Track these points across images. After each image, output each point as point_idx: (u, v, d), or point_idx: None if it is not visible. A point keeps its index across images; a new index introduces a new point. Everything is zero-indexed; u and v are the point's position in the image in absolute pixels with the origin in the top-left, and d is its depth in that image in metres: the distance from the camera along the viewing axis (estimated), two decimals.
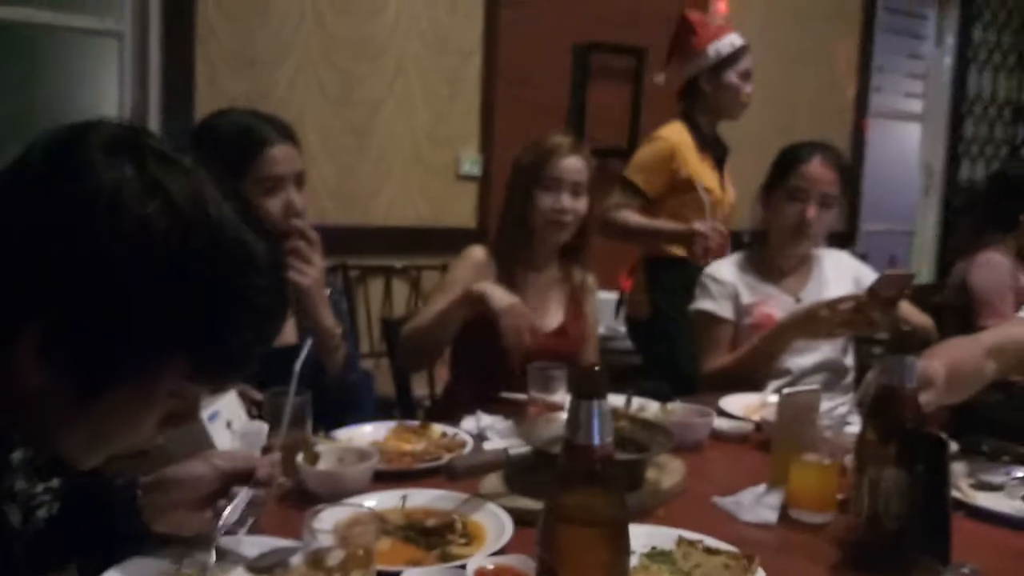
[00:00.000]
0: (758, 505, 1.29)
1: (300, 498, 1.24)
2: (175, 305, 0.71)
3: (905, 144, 5.14)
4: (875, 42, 4.79)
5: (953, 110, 5.23)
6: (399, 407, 2.25)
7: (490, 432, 1.58)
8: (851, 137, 4.72)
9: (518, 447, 1.29)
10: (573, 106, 3.74)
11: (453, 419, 1.65)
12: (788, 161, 2.14)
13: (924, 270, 5.27)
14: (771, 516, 1.26)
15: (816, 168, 2.08)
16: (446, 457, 1.40)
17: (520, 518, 1.17)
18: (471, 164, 3.62)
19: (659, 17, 3.84)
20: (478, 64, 3.58)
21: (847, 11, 4.68)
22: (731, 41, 2.84)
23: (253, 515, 1.09)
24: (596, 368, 0.79)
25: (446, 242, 3.58)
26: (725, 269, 2.21)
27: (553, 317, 2.03)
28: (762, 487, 1.35)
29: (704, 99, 2.83)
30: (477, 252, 2.03)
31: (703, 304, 2.17)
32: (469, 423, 1.63)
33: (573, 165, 1.95)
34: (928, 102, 5.18)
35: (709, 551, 1.10)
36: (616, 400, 1.81)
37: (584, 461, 0.78)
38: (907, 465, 1.09)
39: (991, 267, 2.86)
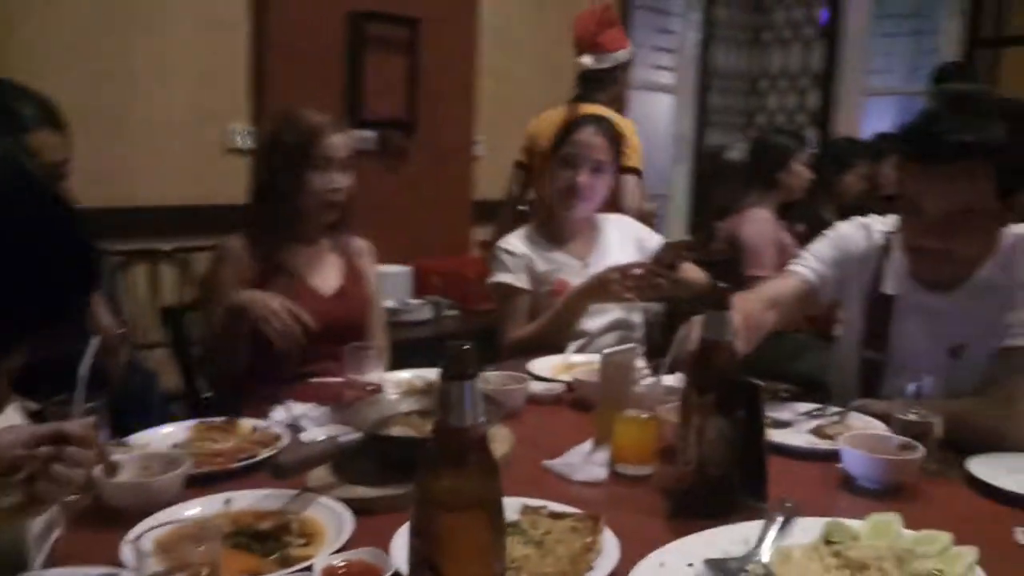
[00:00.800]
0: (588, 464, 1.32)
1: (103, 517, 1.10)
2: None
3: (660, 114, 5.50)
4: (633, 17, 5.04)
5: (700, 83, 5.66)
6: (184, 401, 2.08)
7: (304, 421, 1.49)
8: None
9: (346, 434, 1.23)
10: (349, 77, 3.61)
11: (253, 411, 1.54)
12: (564, 131, 2.23)
13: (677, 230, 5.69)
14: (601, 473, 1.30)
15: (586, 135, 2.18)
16: (263, 453, 1.31)
17: (358, 508, 1.12)
18: (242, 137, 3.40)
19: None
20: (246, 33, 3.36)
21: None
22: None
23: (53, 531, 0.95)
24: (465, 348, 0.75)
25: (218, 221, 3.31)
26: (516, 241, 2.25)
27: (330, 281, 1.98)
28: (587, 445, 1.38)
29: (608, 89, 3.16)
30: (232, 244, 1.93)
31: (500, 276, 2.21)
32: (279, 413, 1.52)
33: (340, 142, 1.92)
34: (679, 75, 5.55)
35: (555, 515, 1.11)
36: (428, 374, 1.79)
37: (458, 443, 0.75)
38: (729, 412, 1.15)
39: (759, 222, 3.17)
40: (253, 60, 3.39)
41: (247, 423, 1.45)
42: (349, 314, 1.92)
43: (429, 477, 0.76)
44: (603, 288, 2.02)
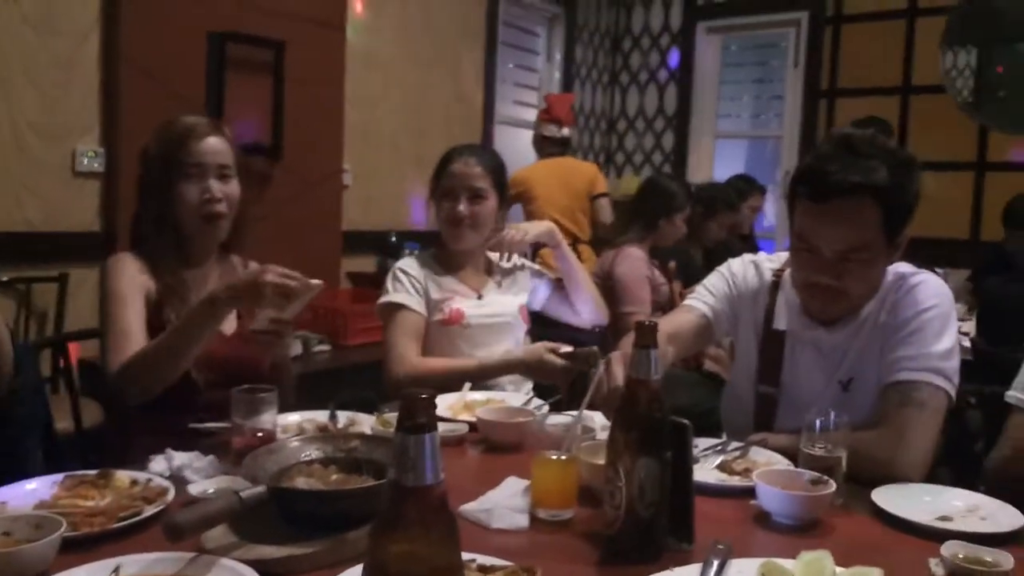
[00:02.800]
0: (507, 510, 1.25)
1: None
2: None
3: (526, 149, 5.55)
4: (498, 54, 5.09)
5: None
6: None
7: (189, 472, 1.34)
8: (482, 142, 4.98)
9: (246, 487, 1.11)
10: (210, 98, 3.42)
11: (129, 461, 1.38)
12: (441, 163, 2.20)
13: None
14: (523, 520, 1.23)
15: (460, 165, 2.14)
16: (149, 510, 1.16)
17: (264, 570, 1.01)
18: (91, 159, 3.14)
19: (297, 11, 3.70)
20: (96, 45, 3.11)
21: (472, 24, 4.92)
22: None
23: None
24: (424, 397, 0.68)
25: (63, 249, 3.07)
26: (413, 265, 2.18)
27: (228, 316, 1.81)
28: (502, 489, 1.32)
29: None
30: (128, 259, 1.75)
31: (395, 296, 2.11)
32: (159, 464, 1.37)
33: (215, 146, 1.75)
34: None
35: (484, 569, 1.04)
36: (317, 416, 1.68)
37: (418, 505, 0.67)
38: (657, 453, 1.13)
39: (633, 259, 3.23)
40: (103, 75, 3.15)
41: (124, 476, 1.29)
42: (252, 354, 1.73)
43: (382, 542, 0.68)
44: (539, 366, 1.97)
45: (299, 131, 3.71)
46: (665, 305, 3.23)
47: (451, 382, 1.92)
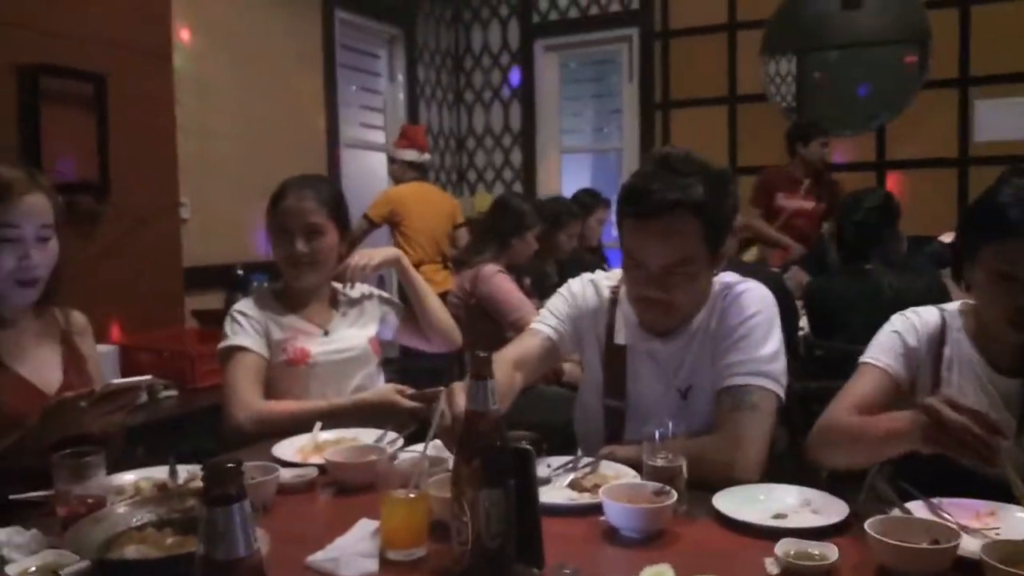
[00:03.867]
0: (353, 556, 1.23)
1: None
2: None
3: (373, 171, 5.51)
4: (338, 77, 5.03)
5: None
6: None
7: (8, 549, 1.23)
8: (327, 167, 4.90)
9: (70, 562, 1.03)
10: (24, 137, 3.19)
11: None
12: (274, 199, 2.13)
13: None
14: (371, 565, 1.21)
15: (294, 202, 2.07)
16: None
17: None
18: None
19: (117, 40, 3.52)
20: None
21: (308, 48, 4.84)
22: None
23: None
24: (229, 466, 0.65)
25: None
26: (251, 304, 2.10)
27: (49, 373, 1.69)
28: (352, 533, 1.29)
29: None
30: None
31: (235, 340, 2.03)
32: None
33: (33, 206, 1.61)
34: (389, 133, 5.61)
35: None
36: (155, 473, 1.59)
37: None
38: (500, 482, 1.13)
39: (494, 275, 3.25)
40: None
41: None
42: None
43: None
44: (388, 407, 1.95)
45: (128, 165, 3.52)
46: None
47: (298, 424, 1.86)
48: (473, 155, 6.32)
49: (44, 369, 1.70)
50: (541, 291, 3.49)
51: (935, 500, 1.37)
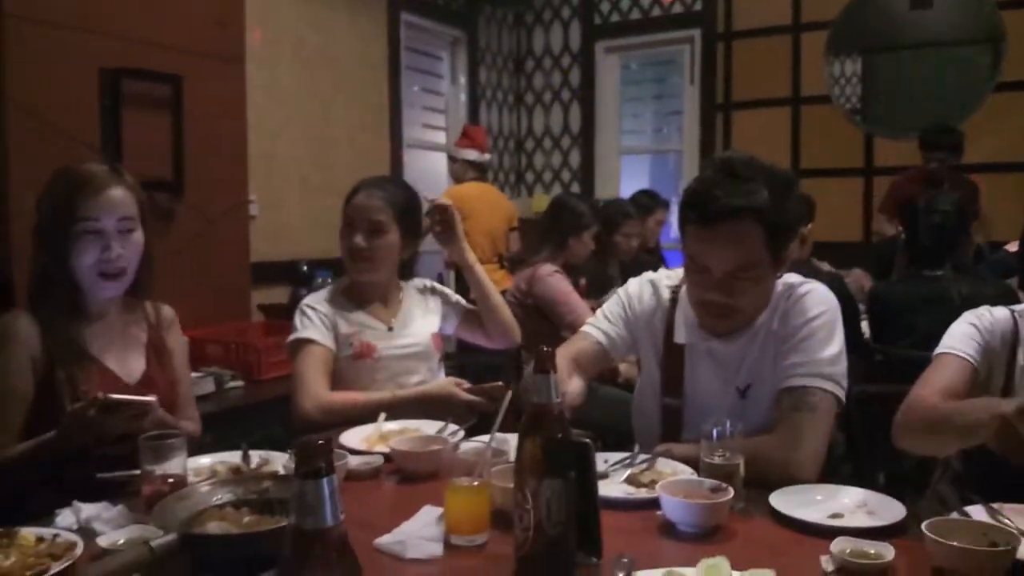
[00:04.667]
0: (420, 539, 1.28)
1: None
2: None
3: (437, 172, 5.60)
4: (402, 79, 5.13)
5: None
6: None
7: (98, 523, 1.32)
8: (390, 167, 5.00)
9: (156, 536, 1.10)
10: (106, 137, 3.34)
11: (33, 518, 1.35)
12: (349, 195, 2.20)
13: None
14: (437, 549, 1.26)
15: (362, 198, 2.15)
16: (56, 566, 1.14)
17: None
18: None
19: (192, 45, 3.65)
20: None
21: (374, 51, 4.94)
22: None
23: None
24: (321, 442, 0.70)
25: None
26: (320, 299, 2.18)
27: (132, 364, 1.79)
28: (417, 519, 1.35)
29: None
30: (20, 323, 1.68)
31: (303, 333, 2.11)
32: (66, 517, 1.34)
33: (115, 198, 1.69)
34: (450, 134, 5.69)
35: None
36: (229, 457, 1.67)
37: (321, 549, 0.69)
38: (561, 473, 1.17)
39: (551, 275, 3.30)
40: None
41: (29, 533, 1.26)
42: (166, 403, 1.71)
43: None
44: (447, 400, 2.00)
45: (201, 165, 3.65)
46: None
47: (362, 415, 1.93)
48: (532, 156, 6.37)
49: (129, 360, 1.79)
50: (598, 292, 3.52)
51: (995, 505, 1.36)
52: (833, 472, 1.66)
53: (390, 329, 2.18)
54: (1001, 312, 1.64)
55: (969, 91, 4.95)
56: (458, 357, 3.15)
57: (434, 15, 5.49)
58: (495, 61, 6.14)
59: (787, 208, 1.62)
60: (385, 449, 1.69)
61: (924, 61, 5.09)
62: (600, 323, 1.87)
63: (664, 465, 1.60)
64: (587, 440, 1.21)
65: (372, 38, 4.93)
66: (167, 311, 1.92)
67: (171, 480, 1.38)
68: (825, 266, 3.93)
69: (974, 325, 1.62)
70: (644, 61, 6.32)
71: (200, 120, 3.65)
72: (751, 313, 1.70)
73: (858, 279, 3.88)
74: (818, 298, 1.70)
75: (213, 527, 1.19)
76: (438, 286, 2.38)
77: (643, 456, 1.65)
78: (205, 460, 1.64)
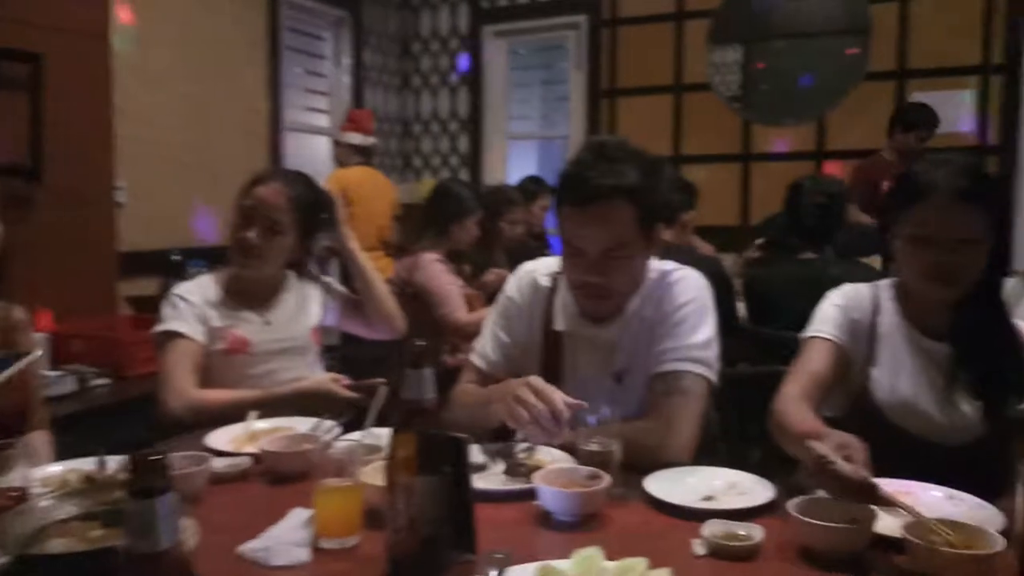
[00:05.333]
0: (287, 545, 1.22)
1: None
2: None
3: (318, 156, 5.45)
4: (283, 61, 4.95)
5: None
6: None
7: None
8: (269, 151, 4.83)
9: None
10: None
11: None
12: (250, 182, 2.10)
13: None
14: (303, 555, 1.21)
15: (264, 194, 2.05)
16: None
17: None
18: None
19: (53, 21, 3.41)
20: None
21: (254, 31, 4.75)
22: None
23: None
24: (153, 457, 0.64)
25: None
26: (194, 289, 2.07)
27: None
28: (283, 524, 1.29)
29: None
30: None
31: (170, 324, 2.00)
32: None
33: None
34: (333, 118, 5.54)
35: None
36: (83, 464, 1.56)
37: (154, 573, 0.63)
38: (435, 469, 1.14)
39: (432, 264, 3.25)
40: None
41: None
42: (13, 409, 1.60)
43: None
44: (325, 397, 1.93)
45: (62, 149, 3.43)
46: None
47: (234, 413, 1.84)
48: (419, 140, 6.29)
49: None
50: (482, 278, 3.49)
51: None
52: (711, 452, 1.70)
53: (267, 323, 2.09)
54: (862, 287, 1.73)
55: (841, 80, 5.15)
56: (342, 349, 3.07)
57: None
58: (381, 43, 6.02)
59: (657, 189, 1.66)
60: (254, 449, 1.61)
61: (800, 51, 5.26)
62: (486, 351, 1.85)
63: (543, 454, 1.59)
64: (461, 436, 1.18)
65: (251, 17, 4.74)
66: (17, 313, 1.78)
67: (12, 494, 1.27)
68: (706, 248, 4.02)
69: (837, 305, 1.70)
70: (532, 46, 6.32)
71: (62, 101, 3.42)
72: (626, 293, 1.71)
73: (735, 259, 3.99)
74: (690, 284, 1.73)
75: (55, 545, 1.10)
76: (320, 275, 2.30)
77: (523, 445, 1.63)
78: (55, 468, 1.52)
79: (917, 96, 4.97)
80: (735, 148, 5.43)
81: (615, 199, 1.59)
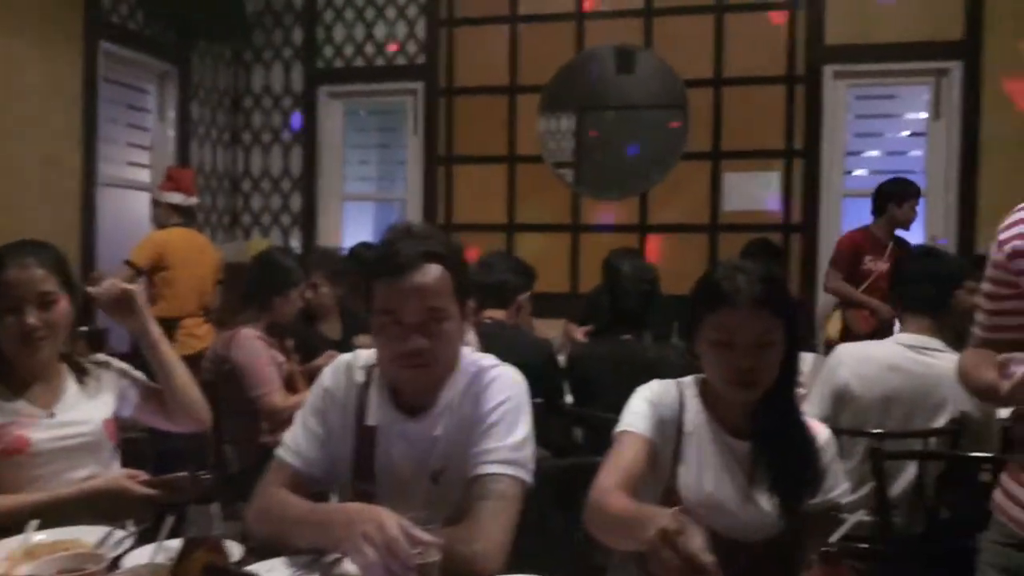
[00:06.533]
0: None
1: None
2: None
3: (137, 212, 5.16)
4: (99, 113, 4.69)
5: None
6: None
7: None
8: (82, 206, 4.54)
9: None
10: None
11: None
12: None
13: None
14: None
15: (18, 273, 1.87)
16: None
17: None
18: None
19: None
20: None
21: (65, 82, 4.48)
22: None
23: None
24: None
25: None
26: None
27: None
28: None
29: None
30: None
31: None
32: None
33: None
34: (155, 172, 5.27)
35: None
36: None
37: None
38: None
39: (251, 341, 3.10)
40: None
41: None
42: None
43: None
44: (119, 497, 1.79)
45: None
46: (284, 385, 3.14)
47: (12, 523, 1.66)
48: (249, 198, 6.10)
49: None
50: (306, 351, 3.36)
51: None
52: (553, 550, 1.70)
53: (51, 416, 1.91)
54: (667, 384, 1.80)
55: (665, 152, 5.44)
56: (147, 443, 2.86)
57: (140, 47, 5.09)
58: (210, 97, 5.82)
59: (464, 268, 1.73)
60: (29, 571, 1.45)
61: (628, 122, 5.51)
62: (299, 445, 1.75)
63: (350, 565, 1.52)
64: (248, 571, 1.11)
65: (65, 68, 4.47)
66: None
67: None
68: (537, 330, 4.05)
69: (646, 400, 1.76)
70: (371, 109, 6.31)
71: None
72: (444, 365, 1.70)
73: (569, 331, 4.08)
74: (506, 382, 1.73)
75: None
76: (113, 360, 2.12)
77: (332, 556, 1.56)
78: None
79: (729, 176, 5.35)
80: (566, 219, 5.62)
81: (431, 263, 1.63)
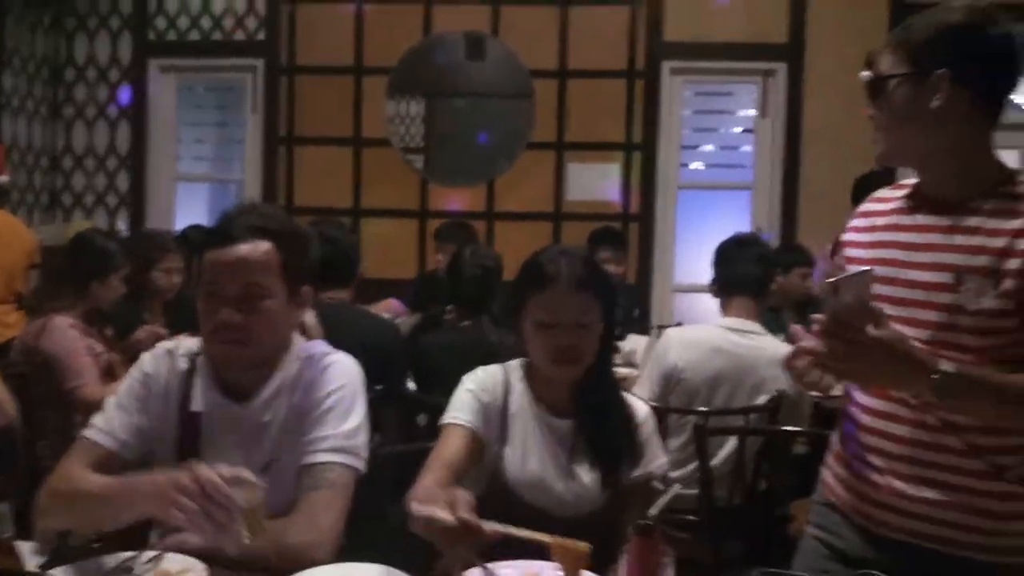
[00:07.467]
0: None
1: None
2: None
3: None
4: None
5: None
6: None
7: None
8: None
9: None
10: None
11: None
12: None
13: None
14: None
15: None
16: None
17: None
18: None
19: None
20: None
21: None
22: None
23: None
24: None
25: None
26: None
27: None
28: None
29: None
30: None
31: None
32: None
33: None
34: None
35: None
36: None
37: None
38: None
39: (62, 330, 2.88)
40: None
41: None
42: None
43: None
44: None
45: None
46: (104, 375, 2.93)
47: None
48: (70, 176, 5.66)
49: None
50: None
51: (490, 565, 1.45)
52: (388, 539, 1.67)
53: None
54: (493, 369, 1.84)
55: (512, 141, 5.48)
56: None
57: None
58: (26, 67, 5.36)
59: (304, 252, 1.71)
60: None
61: (476, 110, 5.51)
62: (114, 430, 1.64)
63: (172, 562, 1.45)
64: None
65: None
66: None
67: None
68: (380, 313, 3.97)
69: (469, 390, 1.79)
70: (208, 85, 6.00)
71: None
72: (267, 346, 1.64)
73: (391, 308, 4.04)
74: (340, 370, 1.71)
75: None
76: None
77: (149, 554, 1.48)
78: None
79: (573, 167, 5.47)
80: (414, 204, 5.56)
81: (257, 239, 1.60)
